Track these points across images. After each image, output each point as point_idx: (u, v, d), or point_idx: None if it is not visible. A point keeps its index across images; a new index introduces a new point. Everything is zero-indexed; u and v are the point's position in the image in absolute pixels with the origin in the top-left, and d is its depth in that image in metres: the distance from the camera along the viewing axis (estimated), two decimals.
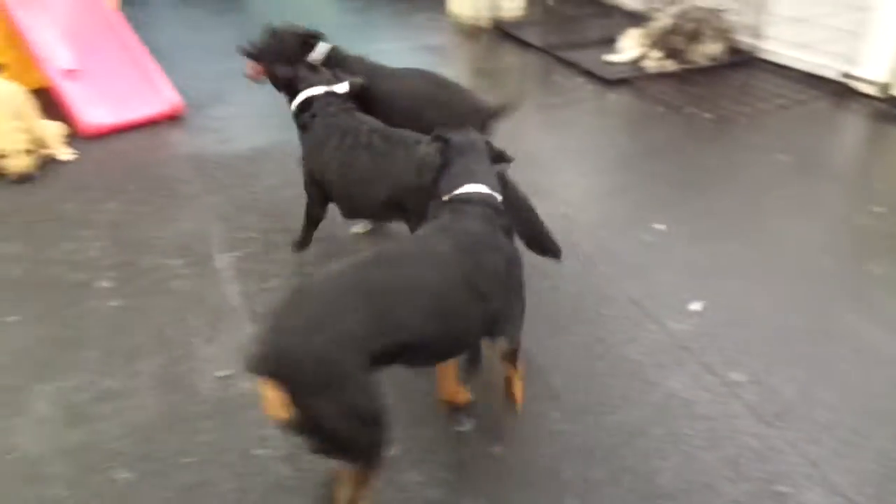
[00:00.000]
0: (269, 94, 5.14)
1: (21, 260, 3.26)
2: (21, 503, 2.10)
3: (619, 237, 3.40)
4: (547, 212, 3.13)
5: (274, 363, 1.67)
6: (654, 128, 4.65)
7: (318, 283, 1.85)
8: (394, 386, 2.21)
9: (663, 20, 5.45)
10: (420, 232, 2.11)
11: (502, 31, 6.50)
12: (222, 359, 2.65)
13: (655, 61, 5.42)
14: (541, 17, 6.62)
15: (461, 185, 2.11)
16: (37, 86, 4.81)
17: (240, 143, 4.48)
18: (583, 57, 5.71)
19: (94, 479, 2.17)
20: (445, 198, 2.12)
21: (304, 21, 4.21)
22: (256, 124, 4.75)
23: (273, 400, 1.66)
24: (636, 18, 6.22)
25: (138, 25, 6.37)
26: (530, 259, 3.19)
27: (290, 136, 4.37)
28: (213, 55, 6.08)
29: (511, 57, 6.06)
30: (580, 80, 5.46)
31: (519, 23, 6.71)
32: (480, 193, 2.10)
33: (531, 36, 6.30)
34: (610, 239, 3.39)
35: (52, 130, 4.45)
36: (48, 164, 4.19)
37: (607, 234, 3.42)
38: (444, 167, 2.16)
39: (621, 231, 3.46)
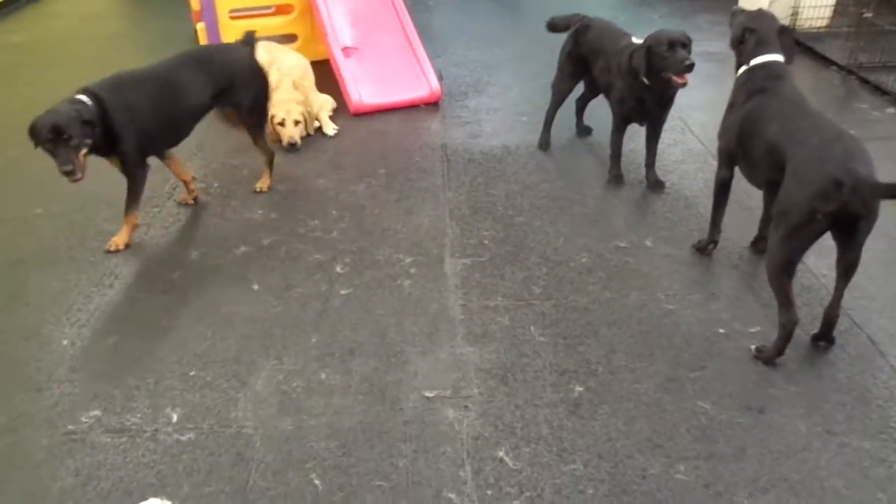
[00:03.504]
0: (524, 89, 5.05)
1: (275, 230, 3.46)
2: (224, 482, 2.17)
3: None
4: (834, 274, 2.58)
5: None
6: None
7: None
8: None
9: None
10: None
11: (799, 43, 5.65)
12: (432, 376, 2.55)
13: None
14: (850, 30, 5.64)
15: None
16: (319, 58, 5.17)
17: (488, 139, 4.38)
18: None
19: (292, 478, 2.17)
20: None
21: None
22: (508, 121, 4.63)
23: None
24: None
25: (415, 4, 6.61)
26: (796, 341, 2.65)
27: (536, 137, 4.22)
28: (479, 42, 6.09)
29: (806, 74, 5.23)
30: (892, 110, 4.54)
31: (821, 34, 5.79)
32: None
33: (834, 51, 5.39)
34: None
35: (324, 104, 4.74)
36: (314, 136, 4.44)
37: None
38: None
39: None
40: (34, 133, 2.98)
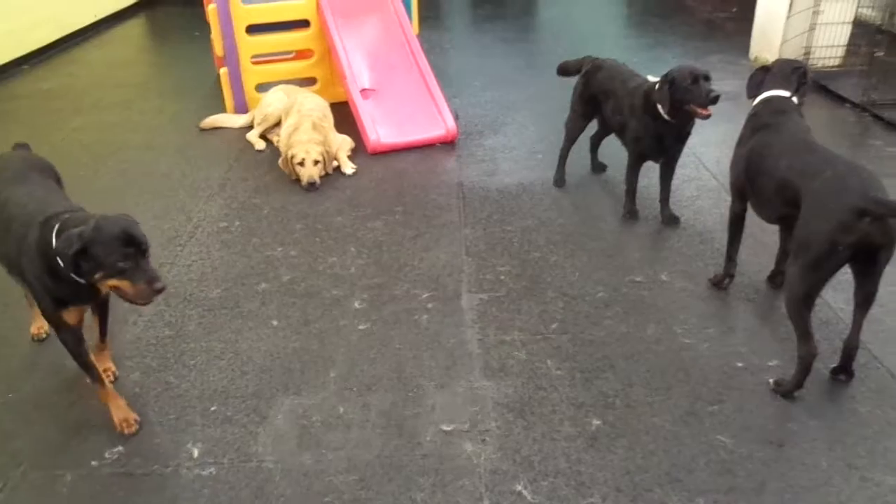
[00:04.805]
0: (539, 129, 5.14)
1: (294, 267, 3.52)
2: None
3: None
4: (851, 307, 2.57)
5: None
6: None
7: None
8: None
9: None
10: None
11: (813, 82, 5.70)
12: (449, 410, 2.56)
13: None
14: (862, 68, 5.70)
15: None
16: (338, 100, 5.31)
17: (504, 176, 4.45)
18: None
19: None
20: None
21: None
22: (523, 159, 4.70)
23: None
24: None
25: (432, 47, 6.77)
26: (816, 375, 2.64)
27: (552, 174, 4.28)
28: (494, 83, 6.21)
29: (820, 111, 5.28)
30: None
31: (834, 73, 5.85)
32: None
33: (848, 89, 5.45)
34: None
35: (343, 144, 4.85)
36: (333, 175, 4.54)
37: None
38: None
39: None
40: (102, 248, 2.16)
